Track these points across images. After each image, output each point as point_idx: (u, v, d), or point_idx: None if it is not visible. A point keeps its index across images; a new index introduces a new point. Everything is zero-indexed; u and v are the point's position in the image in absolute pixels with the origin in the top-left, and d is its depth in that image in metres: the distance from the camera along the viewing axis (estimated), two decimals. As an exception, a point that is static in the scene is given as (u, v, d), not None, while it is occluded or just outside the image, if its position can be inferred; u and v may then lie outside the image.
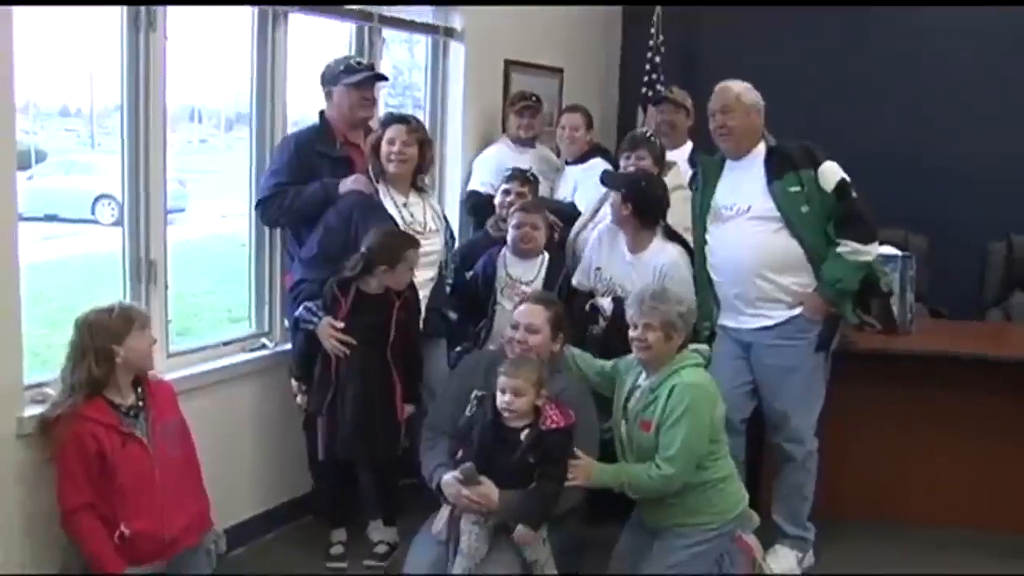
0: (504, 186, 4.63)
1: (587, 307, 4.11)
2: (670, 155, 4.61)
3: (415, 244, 3.78)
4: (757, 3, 6.25)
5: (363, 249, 3.72)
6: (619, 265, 4.13)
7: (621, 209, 4.07)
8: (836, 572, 4.04)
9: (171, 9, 3.61)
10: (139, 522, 3.10)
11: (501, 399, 3.37)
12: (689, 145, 5.03)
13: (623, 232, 4.14)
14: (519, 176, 4.63)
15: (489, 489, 3.36)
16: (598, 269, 4.21)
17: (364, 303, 3.74)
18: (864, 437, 4.37)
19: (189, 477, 3.34)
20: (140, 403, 3.22)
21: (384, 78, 4.29)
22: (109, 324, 3.13)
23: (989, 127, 5.91)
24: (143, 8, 3.52)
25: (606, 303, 4.08)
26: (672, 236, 4.14)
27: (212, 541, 3.41)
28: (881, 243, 3.96)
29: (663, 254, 4.05)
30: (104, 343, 3.10)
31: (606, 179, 4.25)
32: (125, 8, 3.52)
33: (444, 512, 3.48)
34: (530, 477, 3.38)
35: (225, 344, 4.10)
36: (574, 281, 4.28)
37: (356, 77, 4.07)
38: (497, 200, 4.64)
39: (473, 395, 3.57)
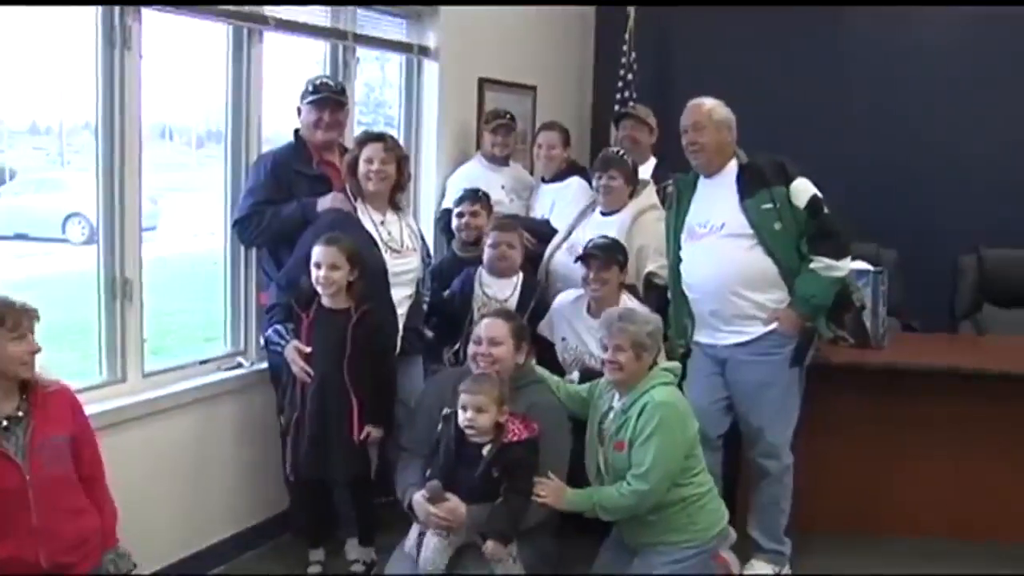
0: (457, 209, 4.63)
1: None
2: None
3: (334, 241, 3.69)
4: (728, 3, 6.28)
5: None
6: (584, 334, 4.13)
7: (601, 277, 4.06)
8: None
9: (145, 28, 3.60)
10: (6, 546, 2.77)
11: (463, 416, 3.41)
12: (652, 161, 5.04)
13: (592, 300, 4.12)
14: (469, 196, 4.63)
15: (455, 505, 3.38)
16: (563, 339, 4.23)
17: (324, 318, 3.73)
18: (839, 451, 4.40)
19: (81, 494, 2.96)
20: (20, 413, 2.86)
21: (340, 102, 4.13)
22: None
23: (957, 141, 5.96)
24: (118, 26, 3.52)
25: (575, 377, 4.06)
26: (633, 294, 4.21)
27: (111, 561, 2.99)
28: (853, 258, 4.00)
29: None
30: None
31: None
32: (99, 26, 3.52)
33: (414, 531, 3.50)
34: (496, 492, 3.41)
35: (201, 363, 4.09)
36: (539, 328, 4.26)
37: (311, 97, 4.08)
38: (454, 224, 4.65)
39: (443, 412, 3.58)
